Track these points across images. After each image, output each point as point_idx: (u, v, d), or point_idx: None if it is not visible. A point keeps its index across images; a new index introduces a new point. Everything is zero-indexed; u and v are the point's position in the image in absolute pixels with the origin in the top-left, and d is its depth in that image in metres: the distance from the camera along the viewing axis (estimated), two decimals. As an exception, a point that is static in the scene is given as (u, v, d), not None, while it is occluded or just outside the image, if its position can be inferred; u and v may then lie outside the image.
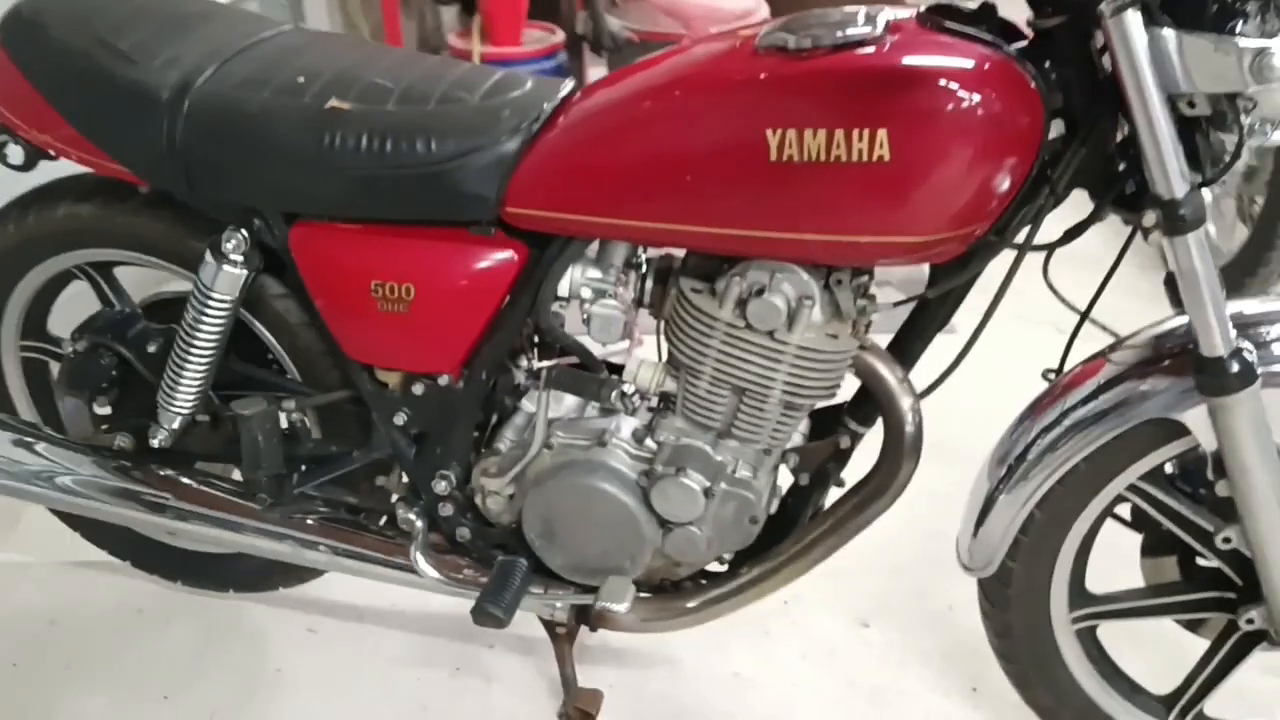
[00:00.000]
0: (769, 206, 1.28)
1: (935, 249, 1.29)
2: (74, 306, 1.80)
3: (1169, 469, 1.45)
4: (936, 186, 1.23)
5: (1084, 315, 1.45)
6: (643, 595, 1.60)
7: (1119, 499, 1.48)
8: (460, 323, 1.46)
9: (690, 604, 1.59)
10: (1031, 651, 1.59)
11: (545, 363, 1.50)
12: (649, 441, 1.51)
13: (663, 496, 1.47)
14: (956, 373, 1.43)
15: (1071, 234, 1.33)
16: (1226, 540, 1.41)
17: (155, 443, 1.67)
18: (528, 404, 1.58)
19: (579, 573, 1.58)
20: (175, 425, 1.65)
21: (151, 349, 1.66)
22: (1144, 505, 1.46)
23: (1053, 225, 1.33)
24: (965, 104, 1.20)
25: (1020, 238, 1.34)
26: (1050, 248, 1.36)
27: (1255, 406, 1.28)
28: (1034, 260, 1.37)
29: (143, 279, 1.78)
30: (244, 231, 1.49)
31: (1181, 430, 1.36)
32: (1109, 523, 1.52)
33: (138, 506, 1.68)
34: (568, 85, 1.46)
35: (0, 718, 1.82)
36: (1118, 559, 1.56)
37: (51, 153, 1.57)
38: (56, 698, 1.86)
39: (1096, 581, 1.56)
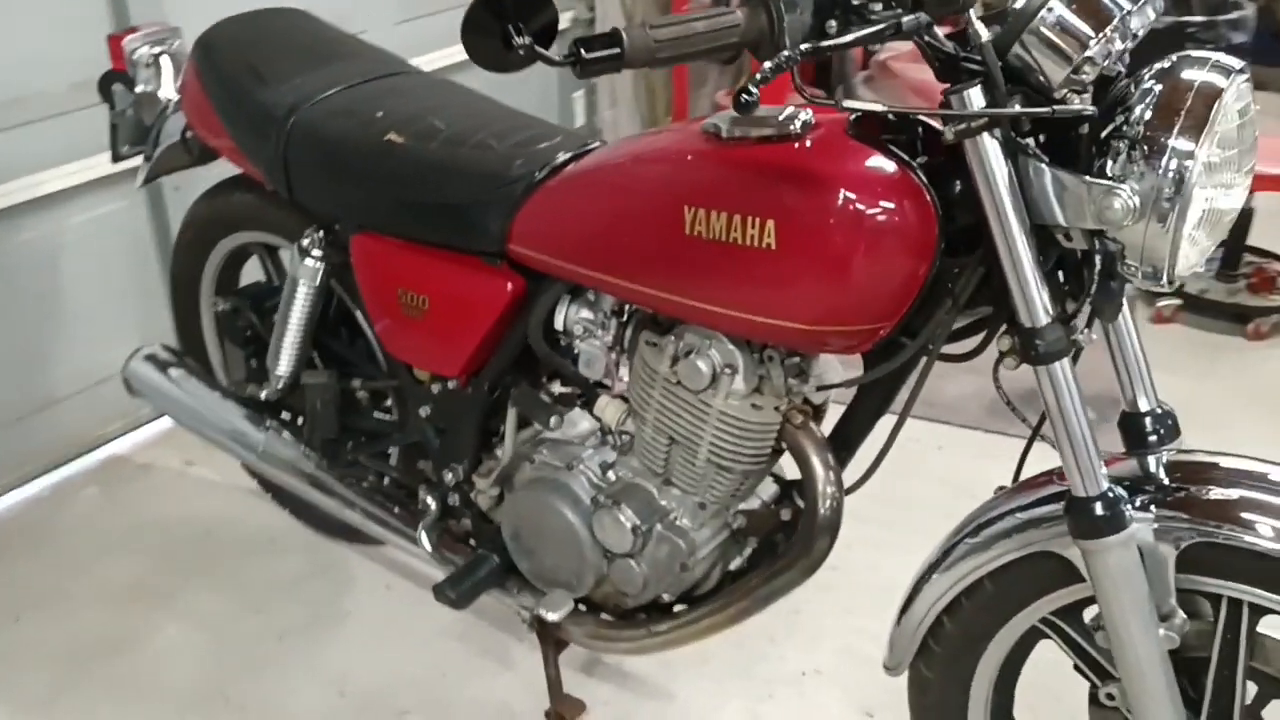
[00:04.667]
0: (684, 275, 1.39)
1: (831, 340, 1.34)
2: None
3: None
4: (817, 280, 1.29)
5: (1035, 430, 1.41)
6: (586, 614, 1.73)
7: (1037, 631, 1.43)
8: (461, 334, 1.68)
9: (627, 633, 1.69)
10: (950, 775, 1.55)
11: (516, 383, 1.68)
12: (610, 474, 1.64)
13: (599, 525, 1.61)
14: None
15: (975, 350, 1.33)
16: (1110, 697, 1.33)
17: (263, 396, 2.03)
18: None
19: (539, 579, 1.74)
20: (279, 385, 2.00)
21: (272, 320, 2.02)
22: (1058, 642, 1.40)
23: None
24: (848, 206, 1.25)
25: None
26: (960, 359, 1.36)
27: (1124, 557, 1.22)
28: None
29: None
30: (321, 233, 1.80)
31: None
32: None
33: (240, 446, 2.05)
34: (592, 144, 1.64)
35: (141, 594, 2.26)
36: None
37: (218, 153, 1.97)
38: (183, 590, 2.28)
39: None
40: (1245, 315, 3.17)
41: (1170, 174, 1.08)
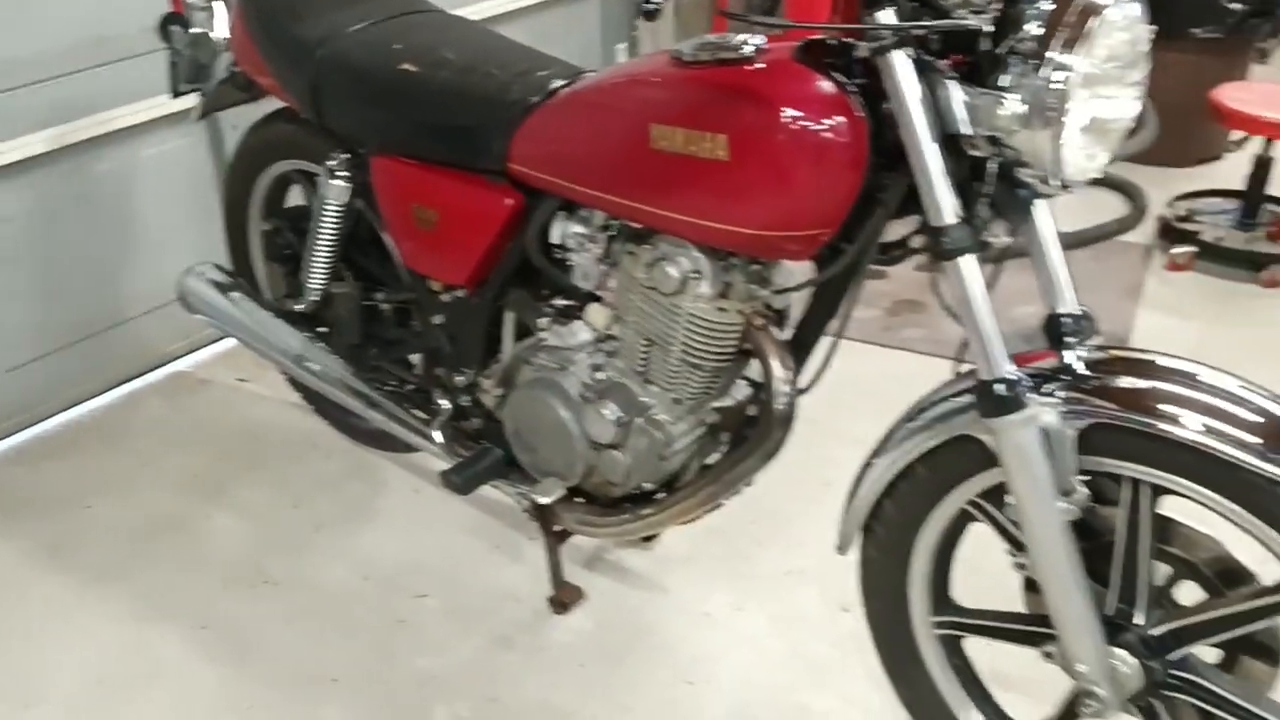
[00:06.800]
0: (650, 187, 1.56)
1: (779, 245, 1.50)
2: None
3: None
4: (763, 189, 1.44)
5: None
6: (579, 501, 1.91)
7: (967, 514, 1.57)
8: (467, 245, 1.86)
9: (613, 518, 1.87)
10: (893, 646, 1.71)
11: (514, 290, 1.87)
12: (599, 375, 1.82)
13: (586, 418, 1.79)
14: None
15: (897, 257, 1.48)
16: (1021, 566, 1.48)
17: (297, 308, 2.24)
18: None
19: (537, 471, 1.93)
20: (312, 298, 2.21)
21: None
22: (985, 523, 1.55)
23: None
24: (788, 123, 1.40)
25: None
26: (890, 263, 1.51)
27: (1024, 434, 1.36)
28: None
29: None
30: (346, 155, 2.00)
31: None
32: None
33: (280, 353, 2.27)
34: (585, 72, 1.81)
35: (196, 486, 2.51)
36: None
37: (263, 88, 2.17)
38: (233, 484, 2.53)
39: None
40: (1260, 263, 3.22)
41: (1050, 83, 1.21)
